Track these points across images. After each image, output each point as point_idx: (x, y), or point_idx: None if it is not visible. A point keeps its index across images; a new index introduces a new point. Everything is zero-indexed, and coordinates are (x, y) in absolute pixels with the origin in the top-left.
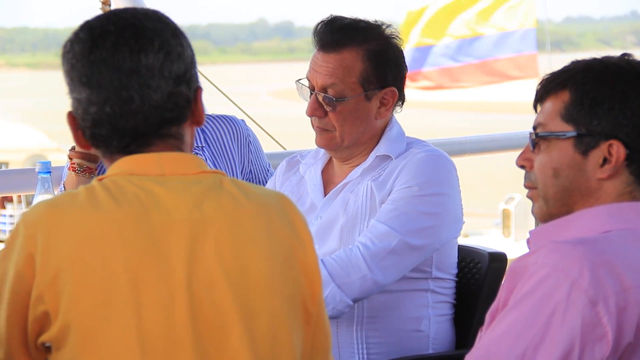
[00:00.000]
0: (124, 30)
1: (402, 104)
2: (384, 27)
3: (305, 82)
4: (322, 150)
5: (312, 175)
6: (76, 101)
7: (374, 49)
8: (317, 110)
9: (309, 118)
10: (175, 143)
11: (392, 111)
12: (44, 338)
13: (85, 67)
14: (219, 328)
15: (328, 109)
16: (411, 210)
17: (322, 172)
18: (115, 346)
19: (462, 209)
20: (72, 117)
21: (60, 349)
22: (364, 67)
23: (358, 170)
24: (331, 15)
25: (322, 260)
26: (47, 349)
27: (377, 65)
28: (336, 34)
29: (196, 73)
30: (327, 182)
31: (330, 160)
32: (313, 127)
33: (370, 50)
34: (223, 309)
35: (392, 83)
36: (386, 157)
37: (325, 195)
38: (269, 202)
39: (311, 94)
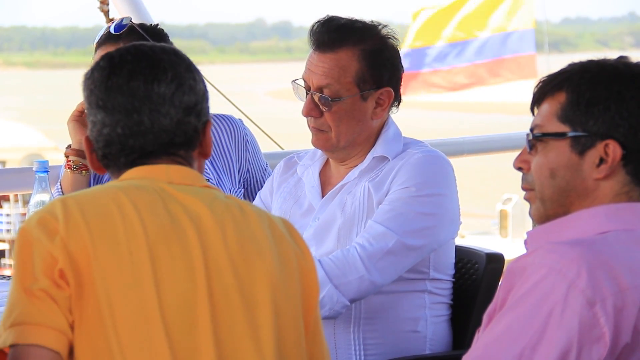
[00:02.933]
0: (141, 60)
1: (398, 104)
2: (380, 27)
3: (301, 83)
4: (320, 151)
5: (310, 177)
6: (92, 123)
7: (370, 49)
8: (313, 111)
9: (306, 118)
10: (182, 162)
11: (388, 112)
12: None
13: (102, 92)
14: (227, 312)
15: (324, 109)
16: (408, 210)
17: (320, 173)
18: (142, 313)
19: (459, 209)
20: (88, 141)
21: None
22: (360, 67)
23: (355, 172)
24: (327, 15)
25: (319, 260)
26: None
27: (372, 66)
28: (332, 33)
29: (207, 107)
30: (325, 183)
31: (327, 162)
32: (309, 128)
33: (366, 50)
34: (229, 296)
35: (388, 83)
36: (383, 158)
37: (322, 196)
38: (269, 214)
39: (307, 94)
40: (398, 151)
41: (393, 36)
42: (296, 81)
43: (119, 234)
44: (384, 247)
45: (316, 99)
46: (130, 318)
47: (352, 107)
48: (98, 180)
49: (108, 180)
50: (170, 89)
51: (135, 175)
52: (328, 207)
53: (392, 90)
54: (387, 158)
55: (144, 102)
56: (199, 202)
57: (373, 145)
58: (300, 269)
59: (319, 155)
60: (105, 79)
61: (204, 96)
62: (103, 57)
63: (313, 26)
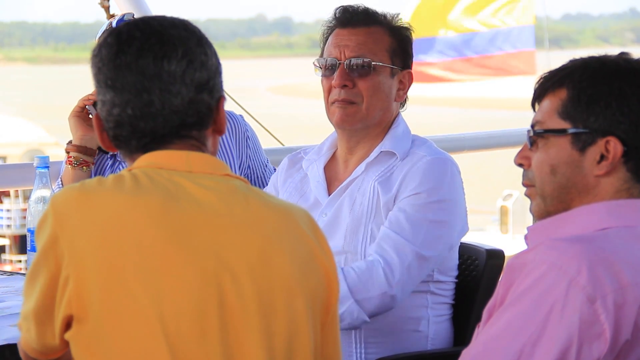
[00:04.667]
0: (150, 36)
1: (406, 101)
2: (394, 16)
3: (322, 62)
4: (326, 146)
5: (315, 172)
6: (101, 102)
7: (397, 29)
8: (347, 80)
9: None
10: (196, 144)
11: (403, 99)
12: (69, 322)
13: (110, 70)
14: (241, 321)
15: (359, 78)
16: (422, 219)
17: (325, 168)
18: (138, 329)
19: (466, 212)
20: (98, 119)
21: (82, 328)
22: (392, 41)
23: (362, 166)
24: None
25: (342, 270)
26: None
27: (402, 43)
28: (361, 14)
29: (220, 82)
30: (331, 179)
31: (333, 157)
32: (327, 110)
33: (394, 29)
34: (245, 302)
35: (410, 66)
36: (390, 154)
37: (328, 191)
38: (292, 208)
39: (338, 65)
40: (406, 149)
41: (406, 26)
42: (318, 60)
43: (122, 242)
44: (404, 261)
45: (352, 65)
46: (125, 331)
47: (384, 79)
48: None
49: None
50: (181, 66)
51: (152, 161)
52: (336, 204)
53: (412, 74)
54: (395, 155)
55: (153, 81)
56: (217, 200)
57: (382, 140)
58: (323, 268)
59: (325, 150)
60: (113, 56)
61: (216, 71)
62: (110, 33)
63: (336, 10)
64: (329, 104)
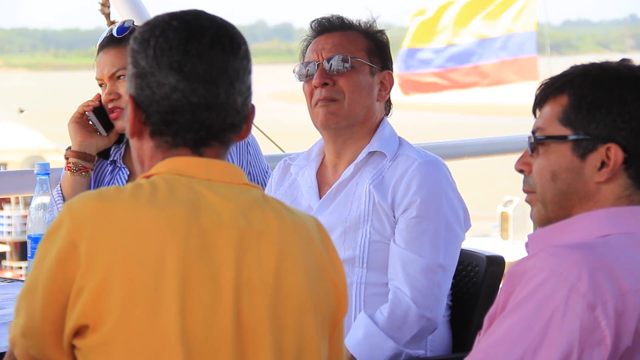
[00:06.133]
0: (219, 29)
1: (390, 108)
2: (369, 22)
3: (304, 68)
4: (314, 152)
5: (306, 178)
6: (157, 84)
7: (373, 33)
8: (327, 78)
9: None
10: (226, 149)
11: (387, 110)
12: (81, 331)
13: (180, 54)
14: (254, 337)
15: (338, 76)
16: (435, 230)
17: (316, 174)
18: (156, 342)
19: (465, 207)
20: (134, 101)
21: (97, 338)
22: (368, 42)
23: (350, 168)
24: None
25: (370, 317)
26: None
27: (378, 45)
28: (336, 20)
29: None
30: (322, 184)
31: (322, 163)
32: (312, 114)
33: (370, 33)
34: (258, 318)
35: (390, 68)
36: (379, 155)
37: (319, 196)
38: (305, 220)
39: (317, 66)
40: (394, 149)
41: (382, 31)
42: (298, 65)
43: (143, 255)
44: (431, 280)
45: (333, 63)
46: (143, 344)
47: (363, 77)
48: (99, 184)
49: (109, 184)
50: (242, 65)
51: (172, 167)
52: (329, 209)
53: (392, 75)
54: (385, 155)
55: (221, 74)
56: (236, 212)
57: (369, 142)
58: (332, 284)
59: (314, 155)
60: (184, 41)
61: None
62: (172, 17)
63: (312, 21)
64: (312, 107)
